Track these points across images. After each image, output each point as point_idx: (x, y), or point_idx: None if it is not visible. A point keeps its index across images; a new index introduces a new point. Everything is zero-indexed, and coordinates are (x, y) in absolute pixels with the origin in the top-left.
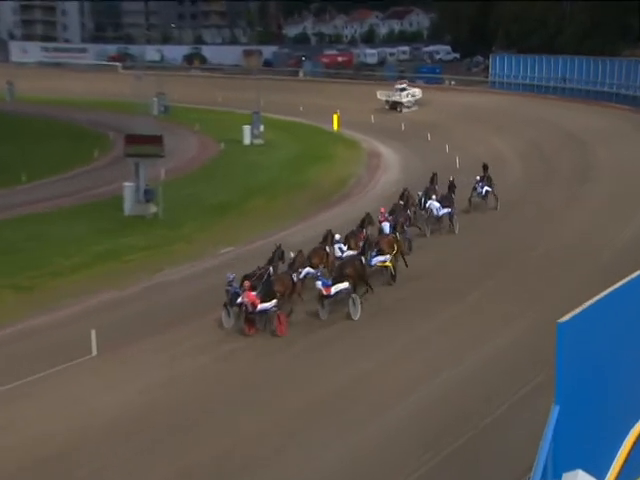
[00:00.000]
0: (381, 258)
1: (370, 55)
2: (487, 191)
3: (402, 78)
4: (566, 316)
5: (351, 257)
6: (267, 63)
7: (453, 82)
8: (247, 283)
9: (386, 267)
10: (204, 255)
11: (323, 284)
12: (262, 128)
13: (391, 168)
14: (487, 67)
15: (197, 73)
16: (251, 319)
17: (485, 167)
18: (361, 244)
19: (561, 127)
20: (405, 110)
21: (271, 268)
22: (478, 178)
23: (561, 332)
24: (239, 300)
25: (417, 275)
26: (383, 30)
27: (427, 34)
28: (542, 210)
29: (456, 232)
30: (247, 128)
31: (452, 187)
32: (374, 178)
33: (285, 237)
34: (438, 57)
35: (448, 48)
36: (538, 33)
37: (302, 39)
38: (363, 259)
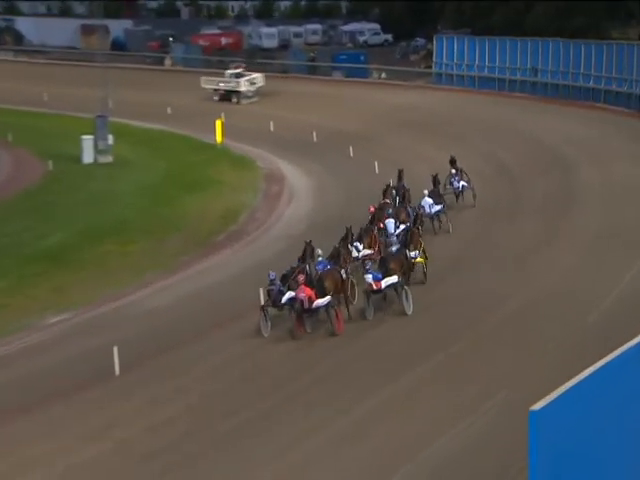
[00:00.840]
0: (412, 254)
1: (267, 36)
2: (464, 186)
3: (238, 63)
4: (539, 403)
5: (396, 250)
6: (117, 45)
7: (384, 74)
8: (301, 277)
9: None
10: (22, 328)
11: (374, 277)
12: (111, 140)
13: (299, 196)
14: (430, 54)
15: (7, 57)
16: (301, 319)
17: (453, 161)
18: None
19: (533, 137)
20: (245, 102)
21: (307, 266)
22: (453, 171)
23: (534, 420)
24: (286, 297)
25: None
26: (285, 2)
27: (347, 8)
28: (511, 252)
29: (450, 232)
30: (88, 140)
31: (436, 182)
32: (275, 211)
33: (148, 298)
34: (362, 39)
35: (376, 27)
36: (500, 8)
37: (168, 11)
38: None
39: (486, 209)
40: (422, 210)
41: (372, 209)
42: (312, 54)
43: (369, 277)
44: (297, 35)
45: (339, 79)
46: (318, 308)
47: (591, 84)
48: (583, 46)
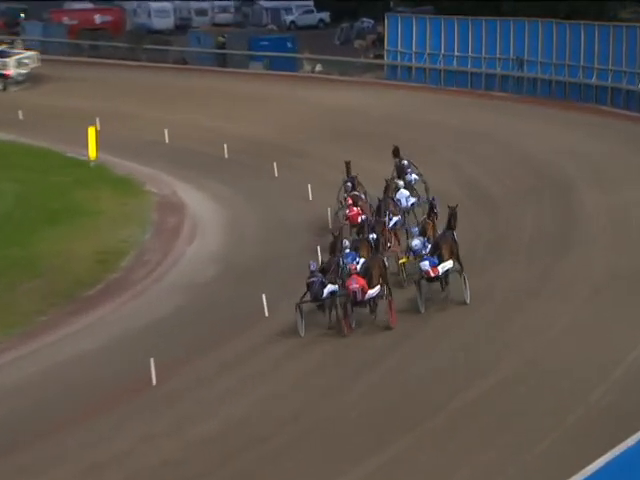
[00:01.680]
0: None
1: (159, 13)
2: (416, 179)
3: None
4: None
5: (443, 233)
6: None
7: (319, 66)
8: (353, 266)
9: None
10: None
11: (431, 263)
12: None
13: (206, 231)
14: (381, 39)
15: None
16: (348, 314)
17: (396, 151)
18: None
19: (518, 151)
20: (14, 89)
21: (340, 259)
22: (405, 162)
23: None
24: (327, 291)
25: None
26: None
27: None
28: (494, 304)
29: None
30: None
31: (403, 172)
32: (172, 251)
33: None
34: (290, 19)
35: (308, 3)
36: None
37: None
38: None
39: (464, 247)
40: (399, 204)
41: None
42: (221, 39)
43: (425, 263)
44: (200, 12)
45: (258, 72)
46: (371, 299)
47: (594, 80)
48: (583, 29)
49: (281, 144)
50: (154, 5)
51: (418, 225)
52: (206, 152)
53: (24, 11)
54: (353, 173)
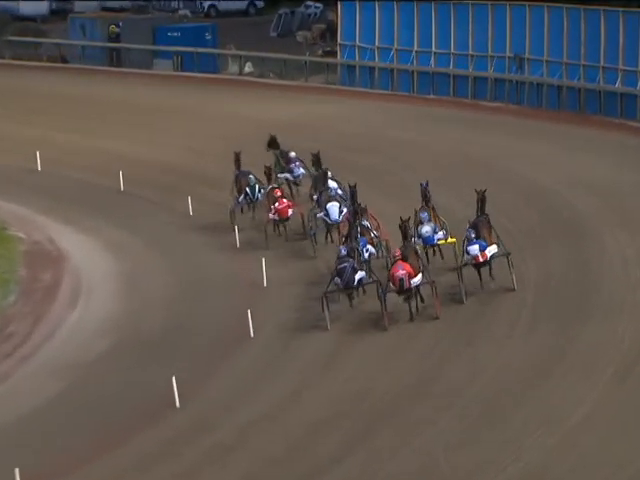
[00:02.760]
0: (440, 235)
1: None
2: (303, 174)
3: None
4: None
5: (477, 218)
6: None
7: (249, 66)
8: (398, 251)
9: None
10: None
11: (481, 248)
12: None
13: (94, 291)
14: (332, 30)
15: None
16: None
17: (316, 157)
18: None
19: (520, 184)
20: None
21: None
22: (292, 155)
23: None
24: (358, 277)
25: None
26: None
27: None
28: (487, 393)
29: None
30: None
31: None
32: (46, 318)
33: None
34: (209, 4)
35: None
36: None
37: None
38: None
39: (447, 315)
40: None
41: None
42: (114, 28)
43: (474, 248)
44: None
45: (166, 74)
46: (415, 287)
47: (618, 86)
48: (604, 17)
49: (197, 172)
50: None
51: (421, 212)
52: (94, 183)
53: None
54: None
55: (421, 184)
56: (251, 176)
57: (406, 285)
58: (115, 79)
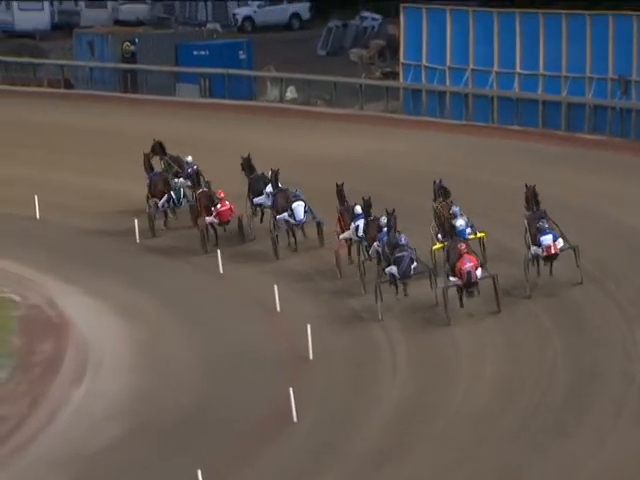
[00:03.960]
0: (469, 230)
1: (26, 4)
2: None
3: None
4: None
5: (535, 212)
6: None
7: (291, 91)
8: (464, 245)
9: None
10: None
11: (554, 237)
12: None
13: (103, 365)
14: (393, 47)
15: None
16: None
17: (274, 175)
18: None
19: (633, 240)
20: None
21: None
22: (189, 159)
23: None
24: (414, 267)
25: None
26: None
27: None
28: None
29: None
30: None
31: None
32: (46, 399)
33: None
34: (243, 14)
35: None
36: None
37: None
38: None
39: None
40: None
41: None
42: (129, 45)
43: (548, 238)
44: (95, 0)
45: (190, 100)
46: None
47: None
48: None
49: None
50: None
51: (454, 206)
52: (105, 232)
53: None
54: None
55: (434, 181)
56: (176, 180)
57: (473, 278)
58: (129, 107)
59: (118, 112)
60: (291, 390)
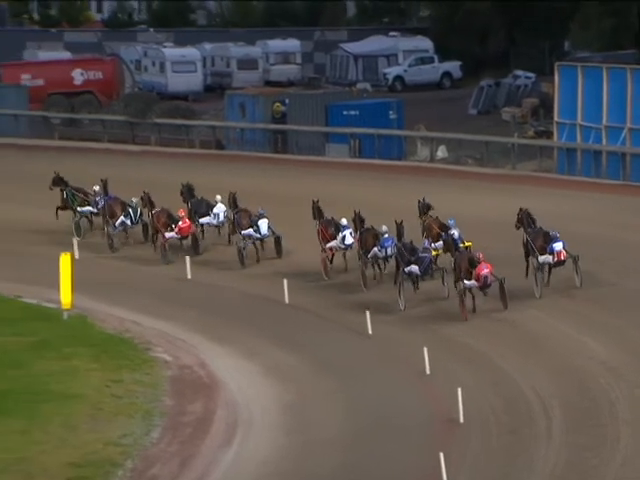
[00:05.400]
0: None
1: (179, 66)
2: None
3: None
4: None
5: (535, 229)
6: None
7: (441, 150)
8: (480, 254)
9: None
10: None
11: (563, 245)
12: None
13: (252, 427)
14: (547, 106)
15: None
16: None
17: (233, 199)
18: None
19: None
20: None
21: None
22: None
23: None
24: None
25: None
26: None
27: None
28: None
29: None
30: None
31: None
32: (196, 460)
33: None
34: (394, 74)
35: (425, 44)
36: None
37: None
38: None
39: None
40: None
41: None
42: (279, 106)
43: (559, 244)
44: (246, 64)
45: (340, 160)
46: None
47: None
48: None
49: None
50: (170, 53)
51: (449, 219)
52: (254, 294)
53: None
54: None
55: (419, 200)
56: (133, 199)
57: (489, 281)
58: (280, 167)
59: (268, 172)
60: (441, 454)
